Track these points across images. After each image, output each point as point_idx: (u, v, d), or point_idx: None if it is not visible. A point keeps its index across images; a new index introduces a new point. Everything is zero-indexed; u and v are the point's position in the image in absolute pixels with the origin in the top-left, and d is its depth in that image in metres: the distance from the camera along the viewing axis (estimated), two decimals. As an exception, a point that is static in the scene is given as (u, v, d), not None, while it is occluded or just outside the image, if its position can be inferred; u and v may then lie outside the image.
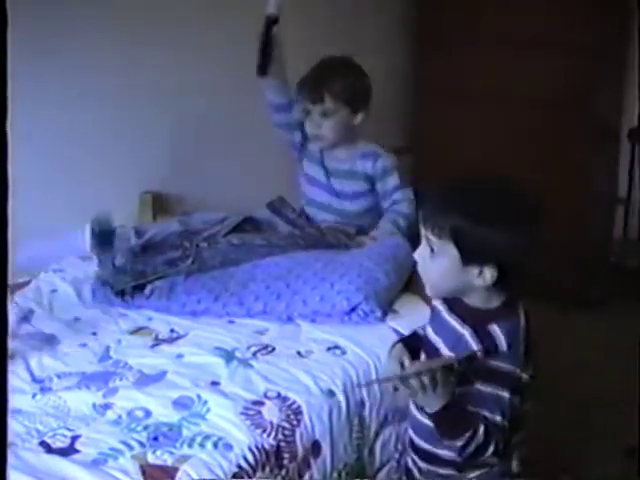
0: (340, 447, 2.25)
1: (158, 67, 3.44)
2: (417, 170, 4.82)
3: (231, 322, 2.62)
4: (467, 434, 1.81)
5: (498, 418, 1.82)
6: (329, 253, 2.86)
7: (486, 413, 1.82)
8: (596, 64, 4.35)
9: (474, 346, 1.85)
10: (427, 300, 2.70)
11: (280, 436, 2.08)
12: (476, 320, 1.89)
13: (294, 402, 2.19)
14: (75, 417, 2.12)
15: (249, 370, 2.32)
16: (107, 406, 2.16)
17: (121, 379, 2.30)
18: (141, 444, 1.99)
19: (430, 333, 2.01)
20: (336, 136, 3.07)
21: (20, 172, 2.95)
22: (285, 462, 2.08)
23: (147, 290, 2.70)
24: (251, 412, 2.12)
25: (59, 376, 2.33)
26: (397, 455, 2.49)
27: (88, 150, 3.25)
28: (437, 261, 1.86)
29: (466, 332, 1.89)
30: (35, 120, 3.03)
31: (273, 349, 2.45)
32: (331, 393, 2.26)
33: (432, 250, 1.86)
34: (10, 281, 2.84)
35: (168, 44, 3.42)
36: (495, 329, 1.84)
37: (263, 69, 2.90)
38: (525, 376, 1.84)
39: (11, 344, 2.50)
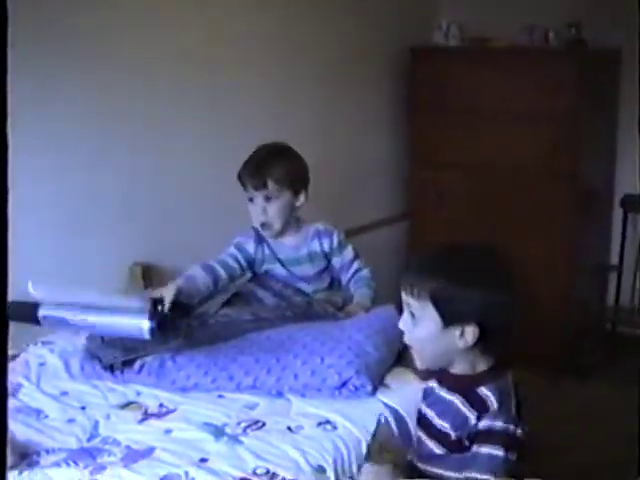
0: (331, 525, 2.21)
1: (145, 138, 3.47)
2: (411, 236, 4.87)
3: (221, 397, 2.60)
4: None
5: (486, 477, 1.82)
6: (318, 325, 2.85)
7: (476, 475, 1.82)
8: (587, 133, 4.39)
9: (466, 412, 1.88)
10: (418, 373, 2.71)
11: (269, 513, 2.06)
12: (464, 386, 1.92)
13: (283, 479, 2.15)
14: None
15: (238, 446, 2.28)
16: (93, 484, 2.12)
17: (109, 455, 2.26)
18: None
19: (424, 408, 2.04)
20: (282, 220, 3.12)
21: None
22: (274, 541, 2.05)
23: (136, 365, 2.68)
24: (240, 489, 2.09)
25: (47, 451, 2.30)
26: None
27: (77, 221, 3.25)
28: (419, 326, 1.91)
29: (456, 399, 1.92)
30: (23, 187, 3.04)
31: (263, 424, 2.42)
32: (321, 469, 2.22)
33: (413, 316, 1.91)
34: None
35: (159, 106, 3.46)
36: (483, 390, 1.88)
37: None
38: (519, 431, 1.86)
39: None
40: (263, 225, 3.11)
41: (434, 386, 2.03)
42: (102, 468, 2.19)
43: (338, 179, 3.96)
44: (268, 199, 3.07)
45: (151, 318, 2.41)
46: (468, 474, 1.83)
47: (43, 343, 2.99)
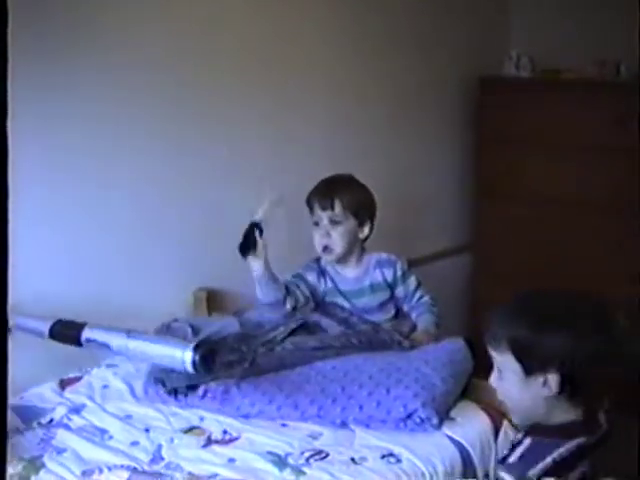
0: None
1: (218, 165, 3.47)
2: (475, 267, 4.82)
3: (284, 425, 2.58)
4: None
5: None
6: (385, 355, 2.82)
7: None
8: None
9: None
10: (486, 407, 2.68)
11: None
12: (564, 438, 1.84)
13: (347, 511, 2.13)
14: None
15: (302, 477, 2.27)
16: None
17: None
18: None
19: None
20: (344, 247, 3.12)
21: (73, 265, 3.01)
22: None
23: (200, 390, 2.67)
24: (303, 521, 2.07)
25: (109, 468, 2.31)
26: None
27: (141, 245, 3.25)
28: (504, 379, 1.87)
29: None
30: (84, 213, 3.07)
31: (327, 455, 2.40)
32: (385, 503, 2.20)
33: (499, 371, 1.87)
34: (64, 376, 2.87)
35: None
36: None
37: (244, 255, 2.92)
38: None
39: (62, 435, 2.49)
40: (325, 248, 3.11)
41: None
42: (164, 494, 2.19)
43: (402, 208, 3.94)
44: (333, 222, 3.08)
45: (195, 349, 2.33)
46: None
47: (107, 366, 3.00)
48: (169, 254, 3.35)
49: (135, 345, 2.44)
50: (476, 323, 4.62)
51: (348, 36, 3.95)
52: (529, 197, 4.57)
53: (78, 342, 2.54)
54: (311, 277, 3.16)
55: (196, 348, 2.31)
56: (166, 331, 2.90)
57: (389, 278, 3.19)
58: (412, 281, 3.23)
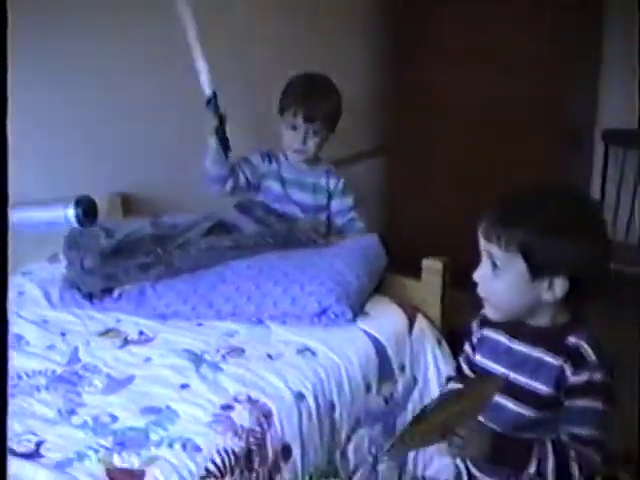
0: (311, 450, 2.23)
1: (130, 67, 3.40)
2: (390, 171, 4.86)
3: (200, 325, 2.60)
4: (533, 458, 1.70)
5: (588, 432, 1.71)
6: (300, 253, 2.85)
7: (575, 430, 1.72)
8: (569, 71, 4.35)
9: (555, 364, 1.77)
10: (400, 302, 2.72)
11: (250, 439, 2.06)
12: (548, 339, 1.80)
13: (264, 405, 2.16)
14: (40, 421, 2.07)
15: (219, 373, 2.29)
16: (73, 411, 2.12)
17: (89, 383, 2.26)
18: (107, 448, 1.95)
19: (487, 364, 1.93)
20: (315, 153, 3.19)
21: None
22: (255, 465, 2.05)
23: (116, 293, 2.67)
24: (221, 416, 2.09)
25: (28, 375, 2.30)
26: (371, 459, 2.47)
27: (54, 148, 3.19)
28: (502, 278, 1.77)
29: (543, 354, 1.80)
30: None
31: (243, 351, 2.42)
32: (301, 396, 2.24)
33: (495, 266, 1.77)
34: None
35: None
36: (576, 340, 1.77)
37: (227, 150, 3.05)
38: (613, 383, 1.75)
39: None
40: (297, 151, 3.16)
41: (500, 339, 1.90)
42: (82, 395, 2.19)
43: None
44: (312, 132, 3.13)
45: (77, 205, 2.28)
46: (566, 432, 1.73)
47: (22, 274, 2.97)
48: (84, 157, 3.29)
49: (17, 216, 2.40)
50: (390, 220, 4.71)
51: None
52: (447, 104, 4.58)
53: None
54: (255, 159, 3.21)
55: (77, 203, 2.28)
56: (78, 234, 2.86)
57: (331, 186, 3.24)
58: (349, 199, 3.27)
